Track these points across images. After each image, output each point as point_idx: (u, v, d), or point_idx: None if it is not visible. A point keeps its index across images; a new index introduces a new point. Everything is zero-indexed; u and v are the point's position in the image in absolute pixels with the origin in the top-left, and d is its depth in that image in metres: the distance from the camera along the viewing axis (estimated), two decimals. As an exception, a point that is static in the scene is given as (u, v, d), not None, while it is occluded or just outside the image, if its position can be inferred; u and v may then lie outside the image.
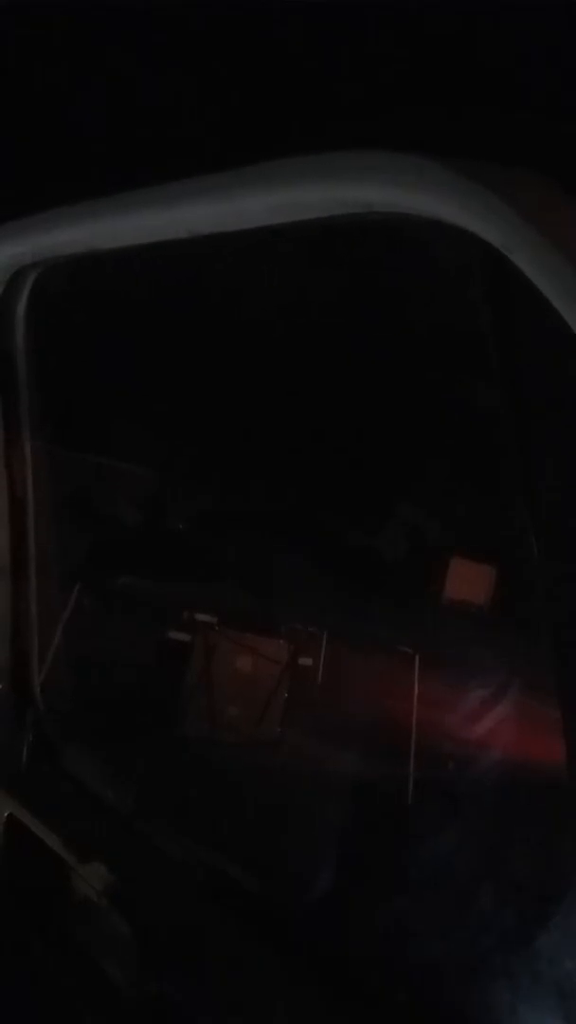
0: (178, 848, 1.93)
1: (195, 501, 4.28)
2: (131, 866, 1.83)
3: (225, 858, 1.89)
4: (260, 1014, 1.51)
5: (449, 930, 2.00)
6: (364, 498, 3.55)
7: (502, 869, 2.22)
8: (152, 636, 3.87)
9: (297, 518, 3.69)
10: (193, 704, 3.64)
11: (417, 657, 3.37)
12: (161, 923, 1.72)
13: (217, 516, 4.18)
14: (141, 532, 4.24)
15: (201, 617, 3.71)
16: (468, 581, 3.41)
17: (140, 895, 1.78)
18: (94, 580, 3.40)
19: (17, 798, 2.01)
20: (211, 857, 1.89)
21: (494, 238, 1.10)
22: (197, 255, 1.63)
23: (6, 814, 2.00)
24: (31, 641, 2.22)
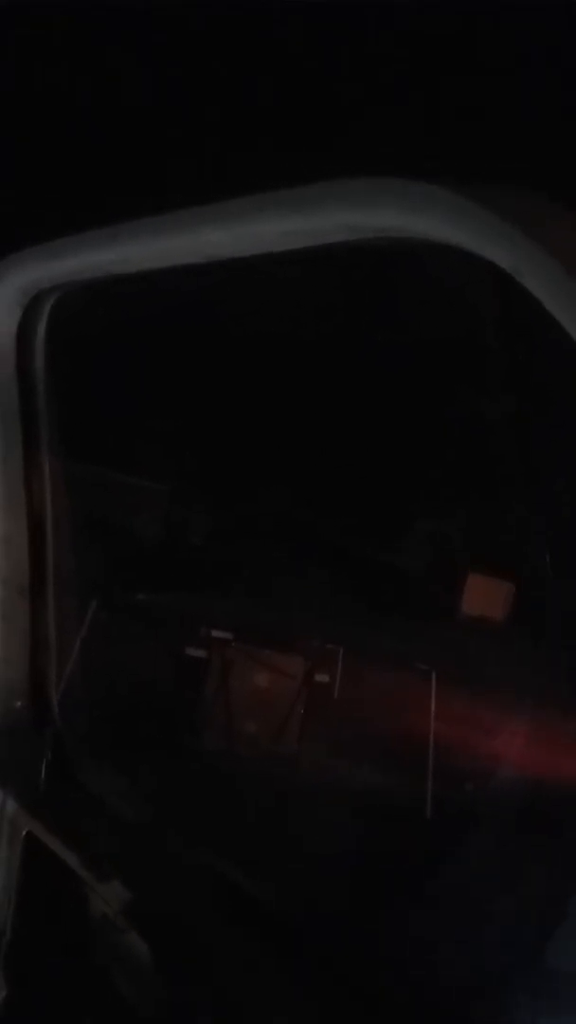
0: (196, 862, 1.93)
1: (213, 518, 4.30)
2: (150, 883, 1.83)
3: (242, 871, 1.89)
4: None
5: (464, 945, 1.99)
6: (380, 515, 3.55)
7: (520, 885, 2.21)
8: (169, 652, 3.88)
9: (313, 535, 3.69)
10: (210, 719, 3.65)
11: (434, 673, 3.36)
12: (179, 940, 1.72)
13: (234, 533, 4.19)
14: (159, 549, 4.26)
15: (217, 633, 3.71)
16: (485, 597, 3.40)
17: (158, 912, 1.79)
18: (111, 597, 3.42)
19: (36, 816, 2.02)
20: (228, 870, 1.89)
21: (504, 261, 1.12)
22: (214, 280, 1.66)
23: (25, 831, 2.01)
24: (49, 658, 2.24)
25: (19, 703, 2.20)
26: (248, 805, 2.89)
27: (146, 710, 3.38)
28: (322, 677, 3.68)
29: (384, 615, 3.51)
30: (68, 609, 2.31)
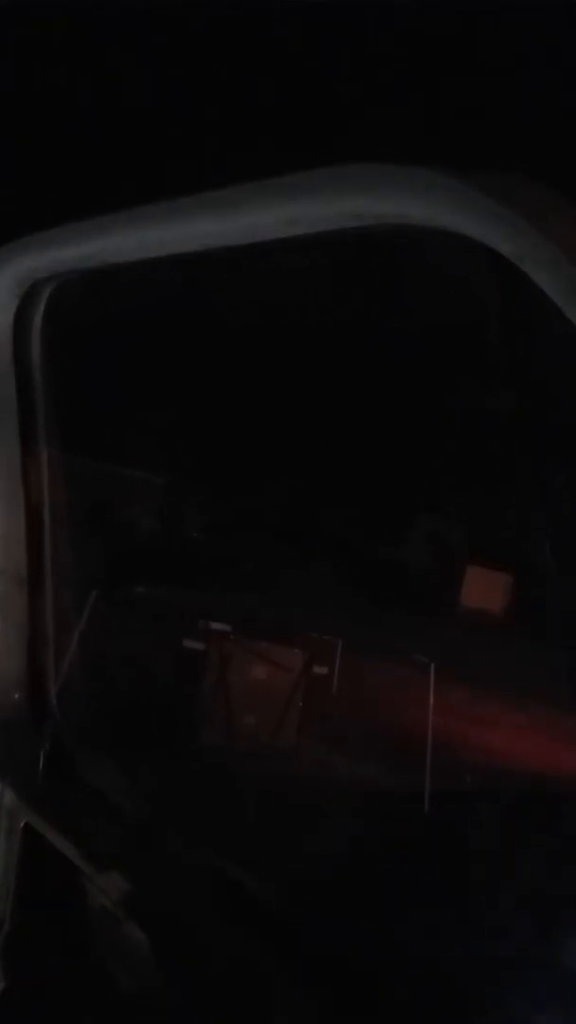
0: (194, 857, 1.93)
1: (212, 510, 4.30)
2: (148, 875, 1.83)
3: (240, 867, 1.89)
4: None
5: (464, 943, 1.99)
6: (380, 509, 3.55)
7: (520, 882, 2.21)
8: (168, 645, 3.89)
9: (313, 528, 3.69)
10: (208, 712, 3.65)
11: (433, 666, 3.36)
12: (176, 933, 1.72)
13: (232, 526, 4.19)
14: (158, 541, 4.26)
15: (216, 626, 3.72)
16: (484, 588, 3.40)
17: (156, 904, 1.78)
18: (110, 589, 3.41)
19: (34, 807, 2.02)
20: (226, 865, 1.89)
21: (504, 248, 1.11)
22: (211, 268, 1.65)
23: (23, 823, 2.01)
24: (47, 650, 2.24)
25: (17, 695, 2.20)
26: (244, 797, 2.88)
27: (144, 703, 3.38)
28: (321, 670, 3.69)
29: (384, 609, 3.51)
30: (66, 601, 2.30)
